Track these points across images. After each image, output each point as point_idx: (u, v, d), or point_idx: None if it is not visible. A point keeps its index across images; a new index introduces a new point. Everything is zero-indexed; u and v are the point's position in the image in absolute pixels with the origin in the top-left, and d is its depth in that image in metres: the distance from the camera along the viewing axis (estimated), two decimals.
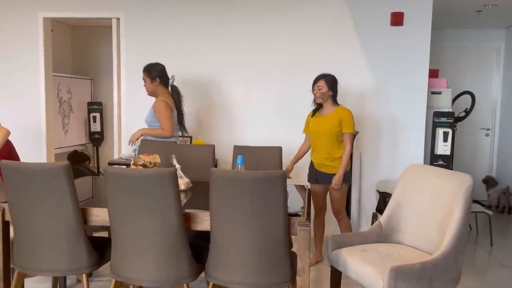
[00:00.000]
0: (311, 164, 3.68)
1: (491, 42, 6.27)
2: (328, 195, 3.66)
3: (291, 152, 4.53)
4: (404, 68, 4.43)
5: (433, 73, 4.82)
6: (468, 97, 5.27)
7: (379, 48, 4.43)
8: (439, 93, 4.65)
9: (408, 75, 4.43)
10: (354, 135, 3.56)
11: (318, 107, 3.61)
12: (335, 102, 3.54)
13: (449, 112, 4.49)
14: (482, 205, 4.82)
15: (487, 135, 6.38)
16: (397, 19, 4.30)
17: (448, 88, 4.74)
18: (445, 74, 6.04)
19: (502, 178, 6.08)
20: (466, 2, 4.82)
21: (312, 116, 3.67)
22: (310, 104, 3.65)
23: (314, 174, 3.64)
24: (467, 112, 5.20)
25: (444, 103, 4.64)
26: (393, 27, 4.38)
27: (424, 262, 2.23)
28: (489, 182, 5.97)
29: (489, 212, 4.46)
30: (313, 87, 3.54)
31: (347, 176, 3.55)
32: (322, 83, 3.49)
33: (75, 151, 6.40)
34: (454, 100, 5.09)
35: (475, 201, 4.79)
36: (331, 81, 3.50)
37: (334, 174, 3.48)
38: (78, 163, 6.12)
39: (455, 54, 6.26)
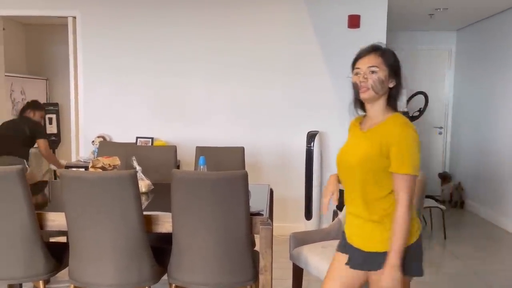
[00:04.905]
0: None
1: (443, 44, 6.56)
2: None
3: (253, 152, 4.56)
4: None
5: None
6: (421, 97, 5.49)
7: (337, 50, 4.54)
8: None
9: None
10: (413, 179, 1.63)
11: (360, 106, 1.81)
12: (391, 105, 1.75)
13: (404, 112, 4.66)
14: (436, 200, 5.03)
15: (440, 133, 6.67)
16: (354, 21, 4.42)
17: (403, 88, 4.91)
18: None
19: (454, 174, 6.38)
20: (419, 6, 5.02)
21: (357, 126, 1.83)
22: (349, 107, 1.83)
23: (344, 247, 1.84)
24: (421, 112, 5.41)
25: (399, 103, 4.81)
26: (351, 30, 4.50)
27: None
28: (445, 177, 6.24)
29: (443, 207, 4.67)
30: (356, 68, 1.73)
31: (411, 256, 1.67)
32: (376, 59, 1.69)
33: None
34: (408, 100, 5.29)
35: (429, 197, 5.00)
36: (392, 60, 1.72)
37: (382, 253, 1.66)
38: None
39: (409, 56, 6.50)
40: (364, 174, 1.67)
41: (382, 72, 1.68)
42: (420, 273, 1.71)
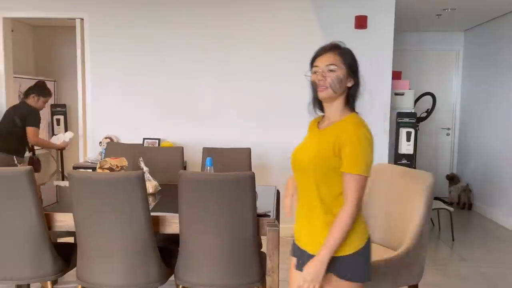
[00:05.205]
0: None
1: (450, 45, 6.51)
2: None
3: (260, 153, 4.55)
4: (369, 70, 4.51)
5: (396, 75, 4.97)
6: (429, 98, 5.47)
7: None
8: (402, 94, 4.80)
9: (373, 77, 4.54)
10: (364, 179, 1.58)
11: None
12: (349, 105, 1.70)
13: (411, 113, 4.64)
14: (444, 202, 5.00)
15: (447, 134, 6.62)
16: (361, 22, 4.40)
17: (410, 89, 4.89)
18: (408, 76, 6.24)
19: (462, 176, 6.33)
20: (426, 6, 4.99)
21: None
22: (308, 107, 1.79)
23: (293, 251, 1.80)
24: (429, 113, 5.38)
25: (407, 104, 4.80)
26: (358, 30, 4.48)
27: (388, 259, 2.29)
28: (453, 179, 6.20)
29: (451, 208, 4.64)
30: (314, 66, 1.69)
31: (361, 261, 1.64)
32: (335, 58, 1.66)
33: None
34: (416, 101, 5.26)
35: (437, 199, 4.97)
36: (350, 59, 1.70)
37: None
38: None
39: (417, 57, 6.46)
40: (316, 173, 1.63)
41: (340, 71, 1.65)
42: (368, 278, 1.65)
